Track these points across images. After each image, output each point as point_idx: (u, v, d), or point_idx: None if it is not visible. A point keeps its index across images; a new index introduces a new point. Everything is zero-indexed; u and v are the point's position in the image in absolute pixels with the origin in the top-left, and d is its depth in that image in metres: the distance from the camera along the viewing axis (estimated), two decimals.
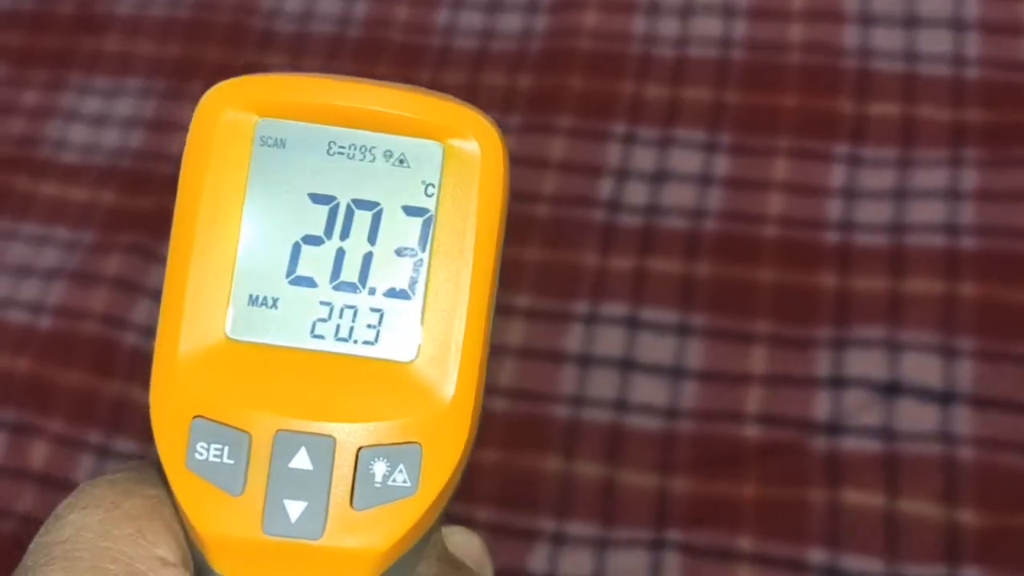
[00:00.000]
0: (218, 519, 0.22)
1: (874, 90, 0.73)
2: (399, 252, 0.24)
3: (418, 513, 0.23)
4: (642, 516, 0.61)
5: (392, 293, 0.23)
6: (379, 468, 0.22)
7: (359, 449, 0.22)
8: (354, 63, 0.81)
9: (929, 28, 0.75)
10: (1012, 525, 0.57)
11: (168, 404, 0.23)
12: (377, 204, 0.24)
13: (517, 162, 0.75)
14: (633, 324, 0.67)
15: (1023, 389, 0.60)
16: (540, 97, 0.77)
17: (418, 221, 0.23)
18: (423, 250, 0.23)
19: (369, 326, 0.23)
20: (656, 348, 0.66)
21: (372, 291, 0.23)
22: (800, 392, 0.63)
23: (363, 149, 0.24)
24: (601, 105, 0.76)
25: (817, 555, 0.58)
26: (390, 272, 0.24)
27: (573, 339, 0.67)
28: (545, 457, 0.63)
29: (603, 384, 0.65)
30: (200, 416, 0.22)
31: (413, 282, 0.23)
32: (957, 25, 0.74)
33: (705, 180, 0.72)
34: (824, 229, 0.69)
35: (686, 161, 0.73)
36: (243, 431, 0.22)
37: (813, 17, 0.77)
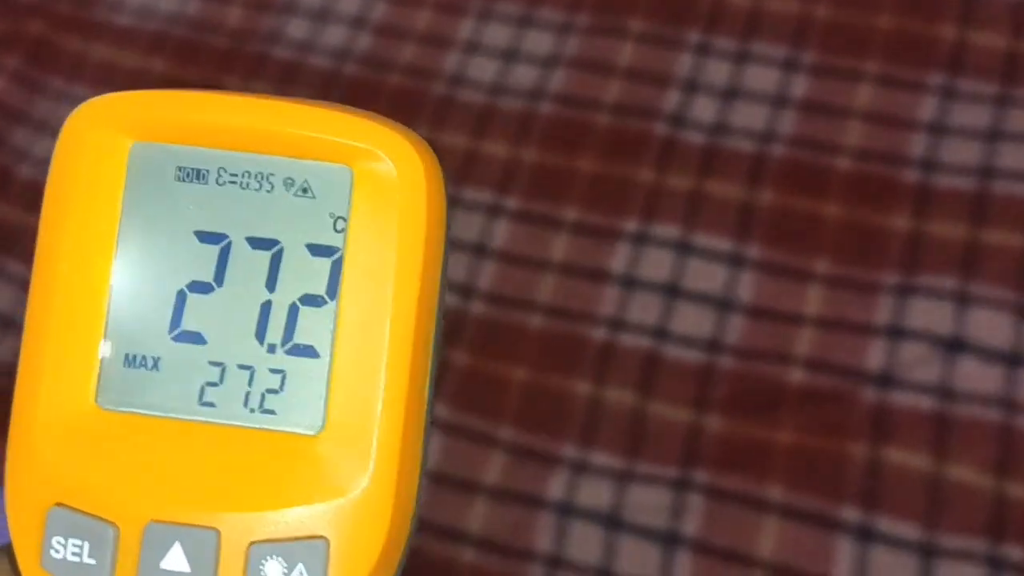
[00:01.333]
0: None
1: (980, 17, 0.67)
2: (304, 300, 0.20)
3: None
4: (670, 452, 0.58)
5: (296, 350, 0.20)
6: (274, 569, 0.19)
7: (250, 545, 0.19)
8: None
9: None
10: None
11: (23, 487, 0.19)
12: (277, 242, 0.20)
13: (581, 65, 0.71)
14: (684, 249, 0.63)
15: None
16: None
17: (326, 262, 0.20)
18: (332, 297, 0.20)
19: (269, 391, 0.20)
20: (705, 276, 0.62)
21: (272, 348, 0.20)
22: (854, 339, 0.59)
23: (259, 176, 0.20)
24: (677, 9, 0.71)
25: (850, 513, 0.55)
26: (293, 325, 0.20)
27: (619, 259, 0.64)
28: (576, 380, 0.61)
29: (645, 309, 0.62)
30: (60, 504, 0.19)
31: (322, 337, 0.20)
32: None
33: (780, 101, 0.67)
34: (904, 166, 0.63)
35: (762, 78, 0.68)
36: (108, 522, 0.19)
37: None
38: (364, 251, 0.20)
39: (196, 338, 0.20)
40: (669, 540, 0.56)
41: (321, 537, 0.19)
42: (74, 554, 0.19)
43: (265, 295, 0.20)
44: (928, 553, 0.53)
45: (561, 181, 0.67)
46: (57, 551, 0.19)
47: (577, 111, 0.70)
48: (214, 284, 0.20)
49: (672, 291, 0.62)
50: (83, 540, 0.19)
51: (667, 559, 0.56)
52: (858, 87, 0.66)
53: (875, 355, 0.59)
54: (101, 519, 0.19)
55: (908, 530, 0.54)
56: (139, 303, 0.20)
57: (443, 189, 0.20)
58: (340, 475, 0.19)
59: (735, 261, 0.63)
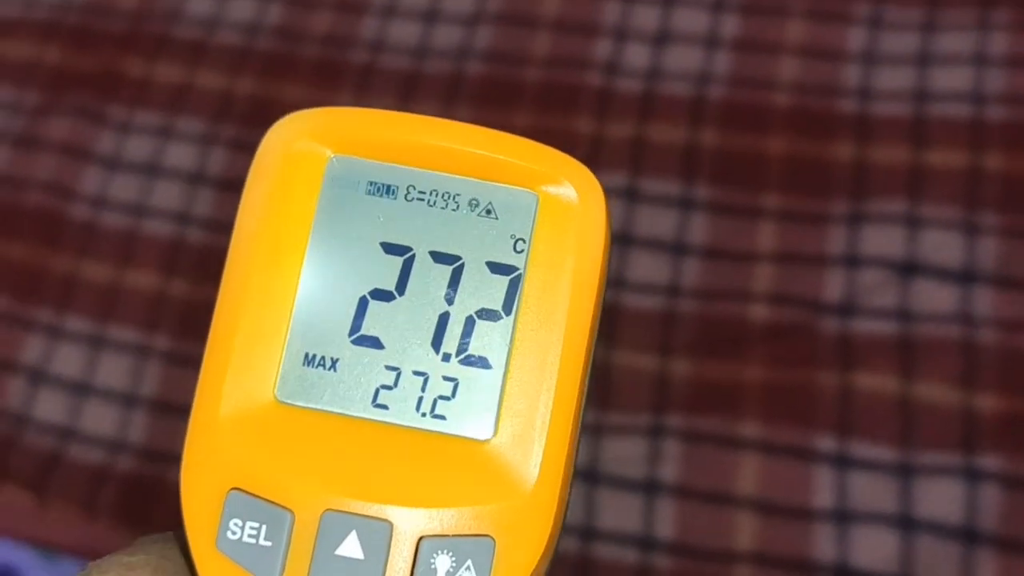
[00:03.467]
0: None
1: None
2: (480, 314, 0.21)
3: None
4: (640, 401, 0.58)
5: (470, 361, 0.21)
6: (443, 563, 0.20)
7: (420, 539, 0.20)
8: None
9: None
10: None
11: (201, 472, 0.20)
12: (458, 258, 0.21)
13: (505, 20, 0.70)
14: (632, 196, 0.63)
15: None
16: None
17: (504, 280, 0.21)
18: (508, 313, 0.21)
19: (441, 397, 0.21)
20: (656, 222, 0.62)
21: (447, 357, 0.21)
22: (812, 271, 0.60)
23: (446, 196, 0.21)
24: None
25: (826, 442, 0.56)
26: (469, 337, 0.21)
27: None
28: None
29: None
30: (237, 488, 0.20)
31: (495, 350, 0.21)
32: None
33: (712, 42, 0.67)
34: (841, 96, 0.64)
35: (692, 20, 0.68)
36: (285, 508, 0.20)
37: None
38: (542, 272, 0.21)
39: (374, 343, 0.21)
40: (649, 488, 0.56)
41: (488, 535, 0.20)
42: (250, 536, 0.20)
43: (444, 306, 0.21)
44: (905, 473, 0.54)
45: None
46: (234, 532, 0.20)
47: (506, 68, 0.69)
48: (395, 293, 0.21)
49: (625, 240, 0.62)
50: (260, 523, 0.20)
51: (649, 507, 0.55)
52: (787, 22, 0.67)
53: (833, 285, 0.59)
54: (278, 504, 0.20)
55: (884, 452, 0.55)
56: (323, 306, 0.21)
57: (610, 219, 0.21)
58: (507, 479, 0.20)
59: (684, 204, 0.63)
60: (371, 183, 0.21)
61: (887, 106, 0.64)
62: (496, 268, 0.21)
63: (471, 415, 0.21)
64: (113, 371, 0.64)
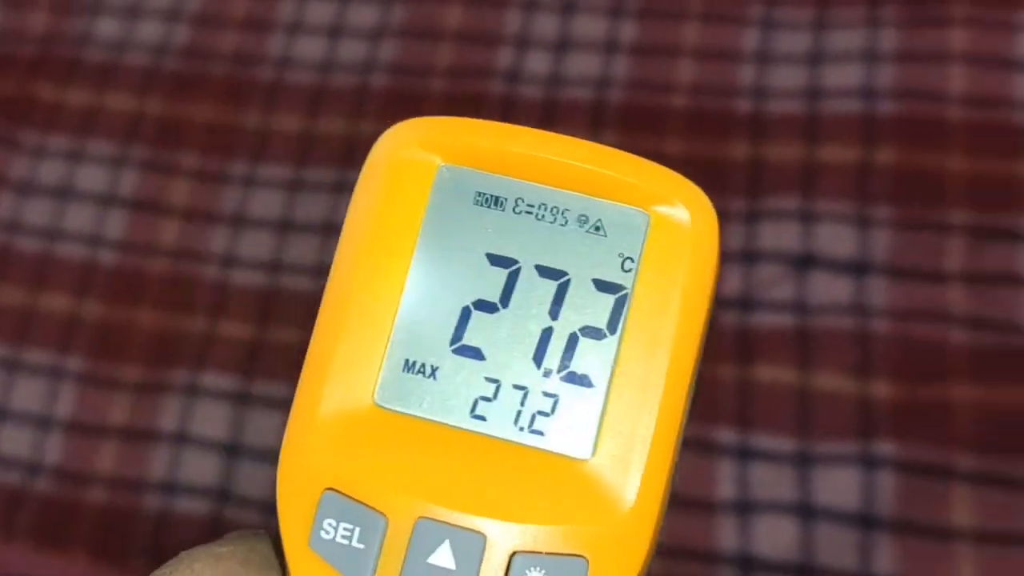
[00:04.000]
0: None
1: None
2: (584, 332, 0.21)
3: None
4: None
5: (571, 378, 0.21)
6: None
7: (513, 554, 0.19)
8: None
9: None
10: (924, 396, 0.56)
11: (298, 471, 0.20)
12: (564, 274, 0.21)
13: (409, 33, 0.71)
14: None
15: (938, 257, 0.59)
16: None
17: (610, 299, 0.21)
18: (613, 332, 0.21)
19: (540, 412, 0.21)
20: None
21: (548, 373, 0.21)
22: None
23: (554, 210, 0.21)
24: None
25: (727, 435, 0.57)
26: (571, 353, 0.21)
27: None
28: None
29: None
30: (332, 489, 0.20)
31: (598, 368, 0.20)
32: None
33: (610, 47, 0.69)
34: (736, 96, 0.66)
35: (591, 27, 0.70)
36: (379, 513, 0.20)
37: None
38: (650, 293, 0.20)
39: (475, 353, 0.21)
40: None
41: (581, 555, 0.19)
42: (344, 537, 0.20)
43: (547, 321, 0.21)
44: (804, 462, 0.56)
45: None
46: (327, 532, 0.20)
47: (411, 79, 0.70)
48: (499, 305, 0.21)
49: None
50: (354, 525, 0.20)
51: None
52: (684, 25, 0.69)
53: (732, 280, 0.61)
54: (373, 508, 0.20)
55: (783, 443, 0.56)
56: (426, 314, 0.21)
57: (720, 242, 0.21)
58: (604, 500, 0.20)
59: None
60: (479, 194, 0.21)
61: (781, 104, 0.65)
62: (602, 286, 0.21)
63: (570, 433, 0.20)
64: (27, 394, 0.65)
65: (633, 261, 0.21)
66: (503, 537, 0.19)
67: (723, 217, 0.63)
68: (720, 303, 0.60)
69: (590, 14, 0.70)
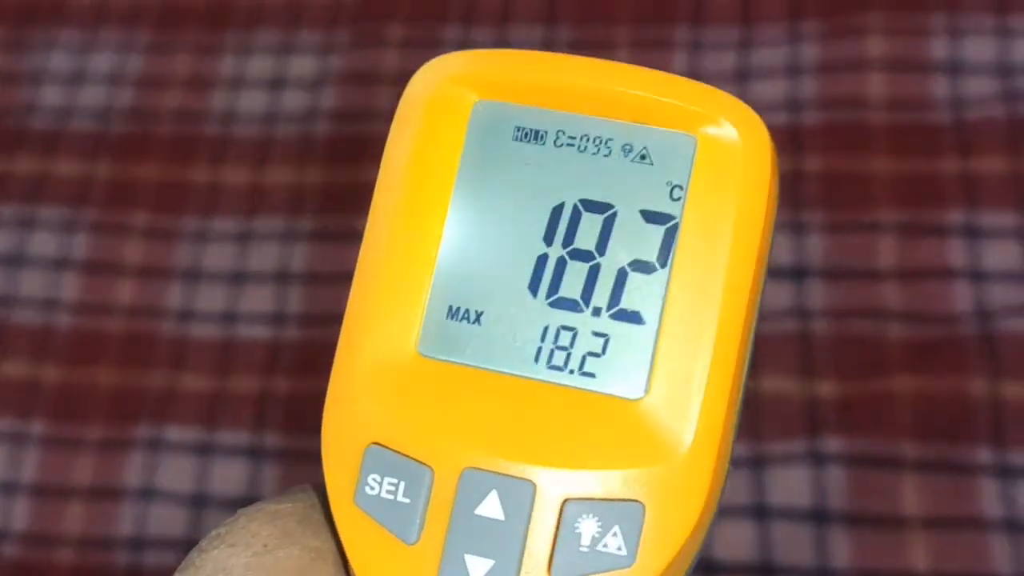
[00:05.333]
0: (386, 570, 0.19)
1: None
2: (633, 266, 0.20)
3: None
4: None
5: (621, 315, 0.20)
6: (588, 527, 0.19)
7: (565, 501, 0.19)
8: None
9: None
10: (867, 391, 0.59)
11: (341, 425, 0.20)
12: (611, 207, 0.20)
13: (346, 81, 0.74)
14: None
15: (870, 256, 0.62)
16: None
17: (660, 230, 0.20)
18: (663, 265, 0.20)
19: (590, 353, 0.20)
20: None
21: (597, 311, 0.20)
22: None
23: (597, 140, 0.20)
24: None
25: None
26: (621, 290, 0.20)
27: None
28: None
29: None
30: (376, 443, 0.19)
31: (649, 304, 0.20)
32: None
33: None
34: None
35: None
36: (424, 465, 0.19)
37: None
38: (700, 221, 0.20)
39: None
40: None
41: (637, 501, 0.19)
42: (388, 492, 0.19)
43: (595, 258, 0.20)
44: (757, 464, 0.58)
45: (350, 195, 0.70)
46: (372, 488, 0.19)
47: (354, 125, 0.73)
48: (543, 244, 0.20)
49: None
50: (399, 479, 0.19)
51: None
52: (613, 54, 0.72)
53: None
54: (418, 461, 0.19)
55: (737, 448, 0.58)
56: (467, 257, 0.20)
57: (778, 165, 0.20)
58: (660, 442, 0.19)
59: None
60: (518, 128, 0.21)
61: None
62: (651, 217, 0.20)
63: (622, 373, 0.20)
64: None
65: (682, 188, 0.20)
66: (553, 484, 0.19)
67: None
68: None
69: (524, 25, 0.73)
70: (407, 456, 0.19)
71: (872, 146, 0.65)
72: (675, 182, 0.20)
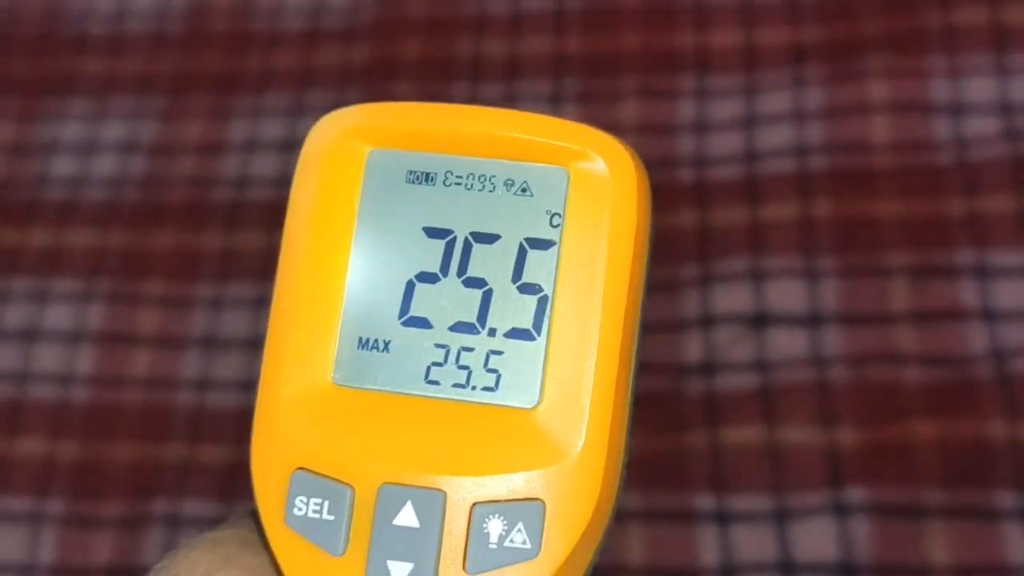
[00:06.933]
0: None
1: (713, 21, 0.75)
2: (522, 289, 0.22)
3: None
4: None
5: (514, 333, 0.22)
6: (495, 527, 0.21)
7: (473, 505, 0.21)
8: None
9: None
10: (888, 438, 0.59)
11: (268, 453, 0.22)
12: (498, 237, 0.23)
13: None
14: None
15: (884, 300, 0.63)
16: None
17: (543, 255, 0.22)
18: (548, 286, 0.22)
19: (488, 370, 0.22)
20: None
21: (492, 332, 0.22)
22: (671, 336, 0.65)
23: (482, 178, 0.23)
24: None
25: (704, 501, 0.60)
26: (512, 311, 0.22)
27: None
28: None
29: None
30: (301, 468, 0.22)
31: (537, 321, 0.22)
32: None
33: None
34: (678, 167, 0.70)
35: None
36: (345, 484, 0.21)
37: None
38: (578, 244, 0.22)
39: (423, 323, 0.23)
40: None
41: (538, 499, 0.21)
42: (315, 511, 0.21)
43: (487, 284, 0.23)
44: (781, 518, 0.59)
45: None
46: (300, 509, 0.21)
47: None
48: (440, 274, 0.23)
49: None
50: (323, 499, 0.21)
51: None
52: (620, 105, 0.73)
53: (692, 346, 0.64)
54: (339, 481, 0.21)
55: (760, 502, 0.59)
56: (372, 292, 0.23)
57: (649, 190, 0.22)
58: (555, 444, 0.21)
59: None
60: (410, 172, 0.23)
61: (721, 170, 0.70)
62: (534, 243, 0.22)
63: (517, 385, 0.22)
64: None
65: (560, 216, 0.22)
66: (462, 491, 0.21)
67: (677, 284, 0.66)
68: (684, 370, 0.63)
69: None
70: (329, 477, 0.21)
71: (879, 189, 0.66)
72: (553, 211, 0.22)
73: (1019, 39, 0.70)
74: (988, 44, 0.70)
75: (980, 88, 0.69)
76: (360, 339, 0.23)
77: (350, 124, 0.23)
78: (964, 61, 0.70)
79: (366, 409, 0.22)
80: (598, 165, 0.22)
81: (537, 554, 0.21)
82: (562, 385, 0.22)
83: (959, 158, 0.67)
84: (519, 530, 0.21)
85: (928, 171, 0.67)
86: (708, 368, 0.63)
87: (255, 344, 0.70)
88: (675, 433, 0.62)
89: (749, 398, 0.62)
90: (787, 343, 0.63)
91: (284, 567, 0.21)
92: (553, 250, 0.22)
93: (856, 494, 0.58)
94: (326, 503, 0.21)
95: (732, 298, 0.65)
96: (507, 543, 0.21)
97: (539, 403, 0.22)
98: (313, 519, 0.21)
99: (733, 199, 0.68)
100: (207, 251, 0.74)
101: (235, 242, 0.74)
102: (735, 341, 0.64)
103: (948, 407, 0.59)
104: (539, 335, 0.22)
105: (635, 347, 0.22)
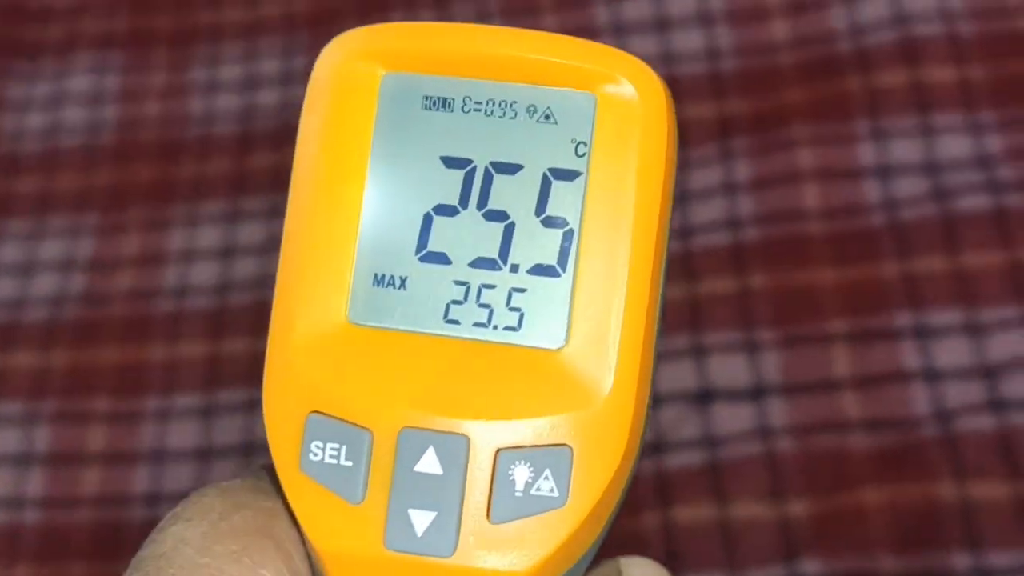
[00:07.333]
0: (335, 531, 0.20)
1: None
2: (546, 222, 0.21)
3: (569, 528, 0.20)
4: None
5: (538, 270, 0.21)
6: (521, 474, 0.20)
7: (497, 451, 0.20)
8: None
9: (681, 28, 0.78)
10: (838, 507, 0.59)
11: (281, 397, 0.21)
12: (520, 167, 0.22)
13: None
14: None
15: (826, 368, 0.64)
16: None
17: (568, 185, 0.21)
18: (573, 219, 0.21)
19: (511, 308, 0.21)
20: None
21: (515, 268, 0.21)
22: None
23: (503, 104, 0.22)
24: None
25: None
26: (535, 246, 0.21)
27: None
28: None
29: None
30: (316, 411, 0.21)
31: (563, 257, 0.21)
32: (705, 20, 0.78)
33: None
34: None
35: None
36: (363, 428, 0.20)
37: (563, 26, 0.80)
38: (605, 174, 0.21)
39: (442, 258, 0.22)
40: None
41: (565, 444, 0.20)
42: (331, 457, 0.20)
43: (508, 217, 0.22)
44: None
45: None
46: (316, 454, 0.20)
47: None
48: (459, 207, 0.22)
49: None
50: (340, 444, 0.20)
51: None
52: None
53: None
54: (357, 425, 0.20)
55: None
56: (388, 226, 0.22)
57: (675, 118, 0.21)
58: (582, 387, 0.20)
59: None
60: (426, 97, 0.22)
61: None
62: (559, 174, 0.21)
63: (542, 325, 0.21)
64: None
65: (586, 145, 0.21)
66: (486, 436, 0.20)
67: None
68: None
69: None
70: (346, 421, 0.20)
71: (814, 256, 0.67)
72: (579, 139, 0.21)
73: (940, 98, 0.71)
74: (910, 104, 0.72)
75: (905, 149, 0.70)
76: (376, 275, 0.22)
77: (362, 46, 0.22)
78: (888, 123, 0.71)
79: (383, 349, 0.21)
80: (627, 89, 0.21)
81: (565, 502, 0.20)
82: (589, 325, 0.21)
83: (890, 220, 0.68)
84: (546, 477, 0.20)
85: (861, 235, 0.68)
86: (657, 447, 0.63)
87: (203, 454, 0.69)
88: (629, 515, 0.62)
89: (699, 476, 0.62)
90: (732, 418, 0.63)
91: (300, 515, 0.21)
92: (579, 181, 0.21)
93: (810, 566, 0.58)
94: (343, 448, 0.20)
95: (675, 376, 0.65)
96: (533, 491, 0.20)
97: (565, 344, 0.21)
98: (330, 465, 0.20)
99: (671, 276, 0.69)
100: (151, 364, 0.74)
101: (177, 352, 0.73)
102: (681, 419, 0.64)
103: (895, 471, 0.60)
104: (564, 272, 0.21)
105: (662, 286, 0.22)
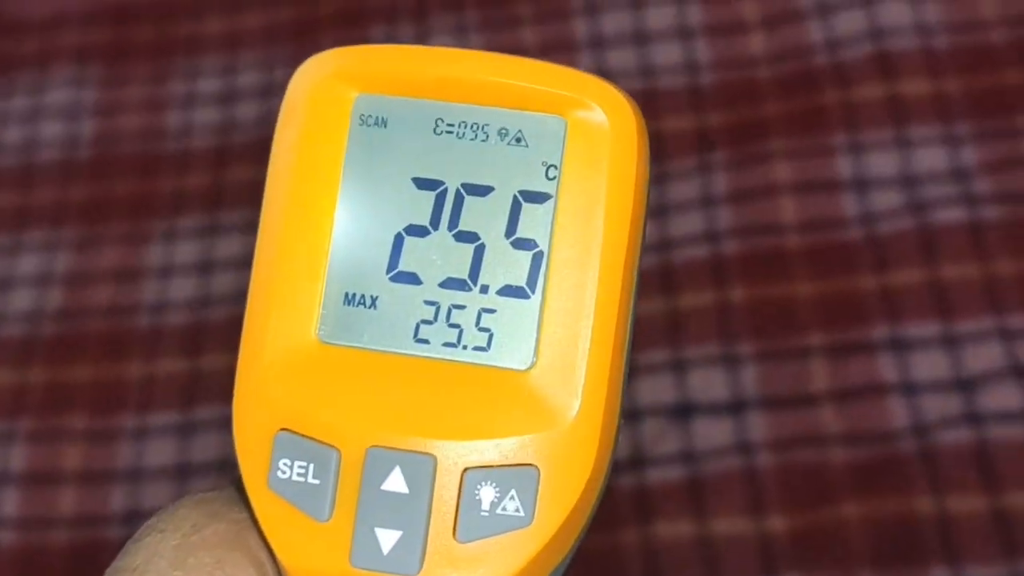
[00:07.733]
0: (302, 548, 0.20)
1: None
2: (516, 244, 0.22)
3: (534, 547, 0.20)
4: None
5: (508, 291, 0.21)
6: (487, 493, 0.20)
7: (464, 471, 0.20)
8: None
9: (660, 41, 0.79)
10: (818, 521, 0.60)
11: (251, 414, 0.21)
12: (491, 189, 0.22)
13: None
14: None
15: (804, 381, 0.64)
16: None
17: (538, 208, 0.21)
18: (543, 241, 0.21)
19: (481, 329, 0.21)
20: None
21: (484, 289, 0.22)
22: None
23: (474, 127, 0.22)
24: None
25: None
26: (505, 267, 0.22)
27: None
28: None
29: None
30: (285, 429, 0.21)
31: (532, 278, 0.21)
32: (684, 34, 0.79)
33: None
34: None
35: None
36: (331, 447, 0.20)
37: (545, 51, 0.80)
38: (575, 197, 0.21)
39: (412, 278, 0.22)
40: None
41: (531, 465, 0.20)
42: (299, 475, 0.21)
43: (479, 238, 0.22)
44: None
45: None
46: (283, 472, 0.21)
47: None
48: (430, 228, 0.22)
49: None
50: (308, 462, 0.20)
51: None
52: None
53: (620, 442, 0.64)
54: (325, 443, 0.21)
55: None
56: (359, 245, 0.22)
57: (647, 141, 0.22)
58: (549, 408, 0.21)
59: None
60: (399, 119, 0.22)
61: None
62: (529, 196, 0.21)
63: (511, 345, 0.21)
64: None
65: (556, 168, 0.21)
66: (453, 456, 0.20)
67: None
68: (614, 466, 0.63)
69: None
70: (314, 439, 0.21)
71: (792, 270, 0.68)
72: (550, 162, 0.21)
73: (917, 111, 0.72)
74: (887, 118, 0.72)
75: (882, 162, 0.71)
76: (346, 294, 0.22)
77: (336, 67, 0.22)
78: (865, 136, 0.72)
79: (352, 368, 0.21)
80: (596, 115, 0.21)
81: (530, 522, 0.20)
82: (557, 346, 0.21)
83: (868, 233, 0.68)
84: (512, 497, 0.20)
85: (838, 248, 0.68)
86: (636, 462, 0.64)
87: (181, 471, 0.69)
88: (608, 531, 0.62)
89: (678, 491, 0.62)
90: (712, 432, 0.64)
91: (267, 532, 0.21)
92: (549, 204, 0.21)
93: None
94: (311, 466, 0.21)
95: (655, 391, 0.66)
96: (499, 511, 0.20)
97: (533, 364, 0.21)
98: (297, 482, 0.21)
99: (650, 289, 0.69)
100: (128, 380, 0.73)
101: (155, 369, 0.73)
102: (660, 434, 0.64)
103: (874, 485, 0.60)
104: (533, 293, 0.21)
105: (632, 308, 0.22)
